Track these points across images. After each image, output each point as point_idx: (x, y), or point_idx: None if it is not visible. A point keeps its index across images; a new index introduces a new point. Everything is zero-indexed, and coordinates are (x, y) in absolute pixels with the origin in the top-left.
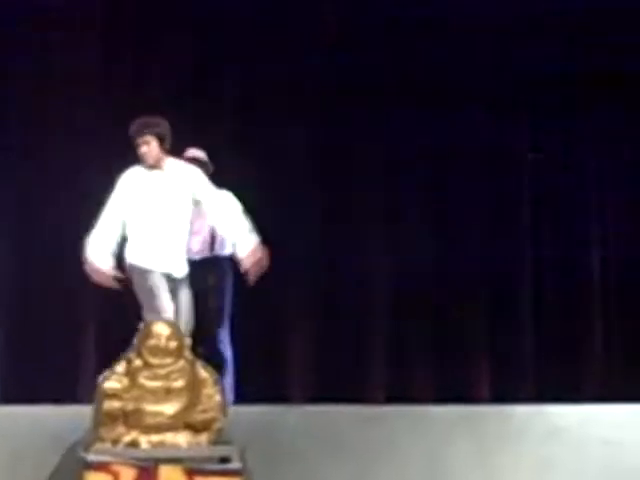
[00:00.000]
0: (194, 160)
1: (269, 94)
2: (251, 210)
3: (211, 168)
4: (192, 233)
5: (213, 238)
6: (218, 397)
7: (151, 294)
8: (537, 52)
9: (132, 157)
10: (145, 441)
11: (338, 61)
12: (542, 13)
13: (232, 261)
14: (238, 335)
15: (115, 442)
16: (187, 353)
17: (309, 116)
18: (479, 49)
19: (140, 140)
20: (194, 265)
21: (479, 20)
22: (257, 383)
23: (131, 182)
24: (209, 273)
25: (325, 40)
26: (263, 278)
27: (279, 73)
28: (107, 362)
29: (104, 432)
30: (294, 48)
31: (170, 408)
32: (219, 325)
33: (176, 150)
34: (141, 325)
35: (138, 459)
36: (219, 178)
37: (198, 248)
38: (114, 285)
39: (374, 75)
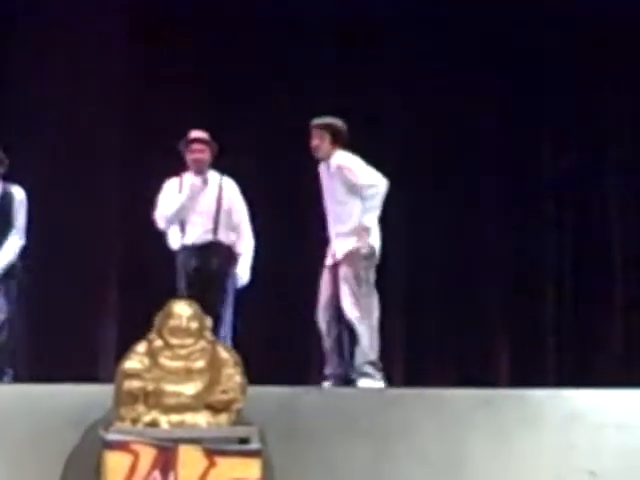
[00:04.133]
0: (198, 140)
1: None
2: None
3: (215, 148)
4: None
5: (216, 224)
6: (238, 378)
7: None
8: None
9: None
10: (165, 421)
11: None
12: None
13: (232, 248)
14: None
15: (135, 421)
16: (208, 334)
17: None
18: None
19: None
20: (197, 249)
21: None
22: (277, 366)
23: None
24: (211, 258)
25: None
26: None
27: None
28: (128, 342)
29: (124, 412)
30: None
31: (190, 388)
32: (221, 308)
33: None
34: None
35: (158, 439)
36: None
37: (201, 232)
38: None
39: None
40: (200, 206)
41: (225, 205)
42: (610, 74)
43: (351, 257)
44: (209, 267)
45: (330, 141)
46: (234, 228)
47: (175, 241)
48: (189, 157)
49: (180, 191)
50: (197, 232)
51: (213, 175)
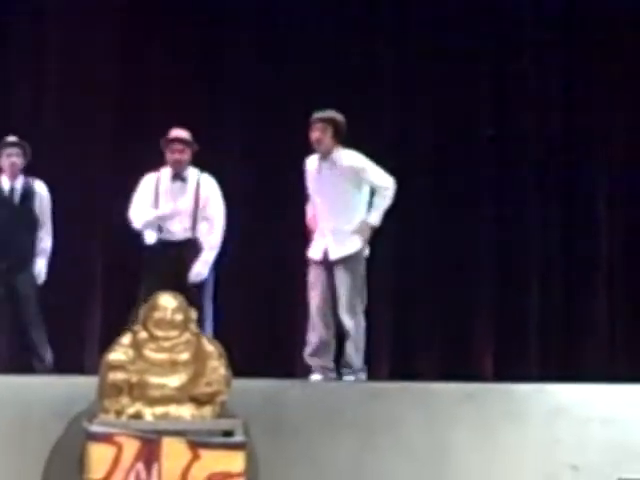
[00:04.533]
0: (178, 140)
1: None
2: None
3: (196, 148)
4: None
5: (194, 221)
6: (223, 370)
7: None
8: None
9: None
10: (149, 413)
11: None
12: None
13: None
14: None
15: (119, 413)
16: (193, 326)
17: None
18: None
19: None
20: (175, 245)
21: None
22: (263, 358)
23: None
24: (188, 254)
25: None
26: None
27: None
28: (113, 333)
29: (108, 403)
30: None
31: (175, 380)
32: (201, 302)
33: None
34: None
35: (142, 431)
36: None
37: (180, 229)
38: None
39: None
40: (178, 205)
41: (202, 203)
42: (605, 73)
43: (352, 260)
44: (186, 263)
45: (332, 135)
46: (207, 221)
47: (151, 238)
48: (169, 156)
49: (156, 188)
50: (175, 229)
51: (192, 172)
